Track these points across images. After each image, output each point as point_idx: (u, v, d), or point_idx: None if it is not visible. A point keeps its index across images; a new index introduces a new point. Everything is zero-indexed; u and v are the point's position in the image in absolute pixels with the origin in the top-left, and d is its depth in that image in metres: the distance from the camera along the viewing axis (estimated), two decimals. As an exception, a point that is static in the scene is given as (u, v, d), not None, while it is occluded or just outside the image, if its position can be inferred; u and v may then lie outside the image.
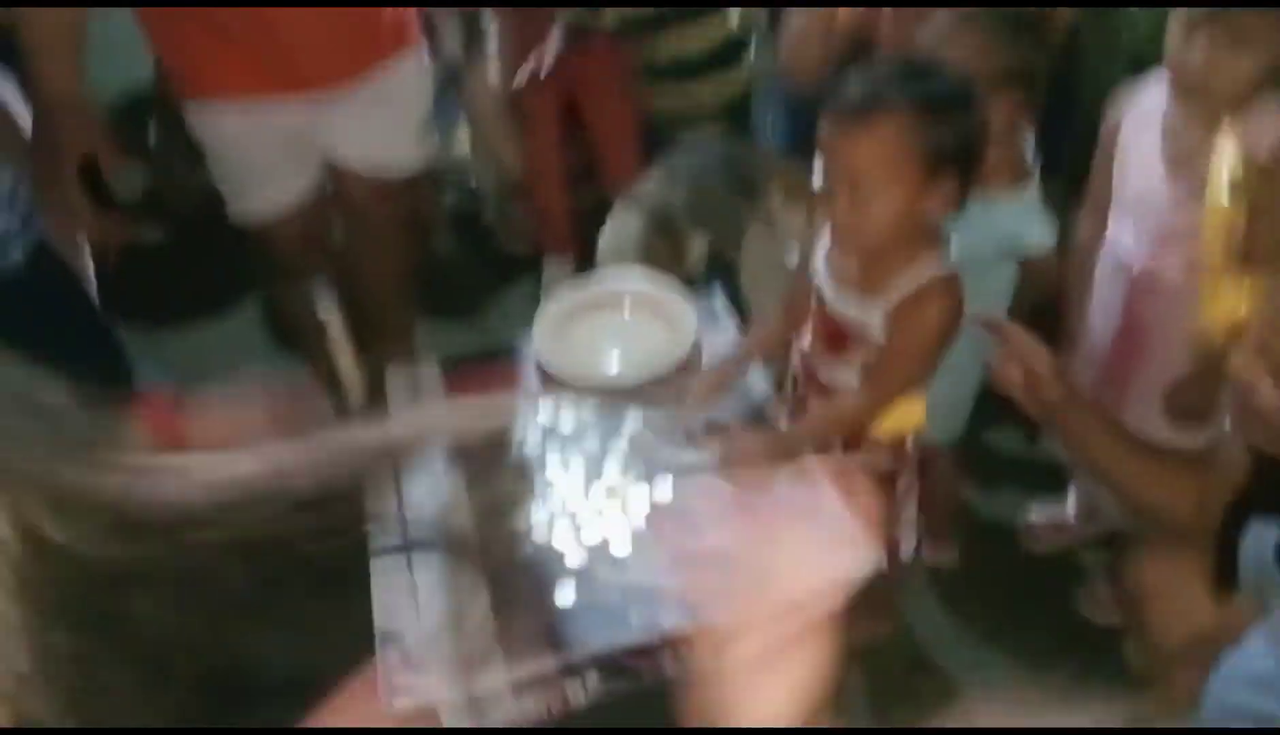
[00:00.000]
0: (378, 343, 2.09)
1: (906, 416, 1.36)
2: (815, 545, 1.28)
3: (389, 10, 1.78)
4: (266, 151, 1.79)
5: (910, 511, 1.51)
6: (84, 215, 1.58)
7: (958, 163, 1.21)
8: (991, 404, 1.65)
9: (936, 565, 1.93)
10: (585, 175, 2.75)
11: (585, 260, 2.60)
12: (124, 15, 1.73)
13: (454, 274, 2.75)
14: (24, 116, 1.72)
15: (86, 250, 1.82)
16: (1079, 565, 1.96)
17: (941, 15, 1.44)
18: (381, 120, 1.82)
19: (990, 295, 1.58)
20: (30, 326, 1.52)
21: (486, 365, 1.62)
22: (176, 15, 1.64)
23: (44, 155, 1.57)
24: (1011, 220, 1.48)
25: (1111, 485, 1.27)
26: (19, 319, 1.50)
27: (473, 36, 2.41)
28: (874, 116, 1.18)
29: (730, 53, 2.29)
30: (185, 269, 2.61)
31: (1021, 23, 1.42)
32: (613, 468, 1.41)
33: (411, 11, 1.83)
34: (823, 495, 1.34)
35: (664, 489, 1.36)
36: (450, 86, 2.35)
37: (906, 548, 1.54)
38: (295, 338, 1.99)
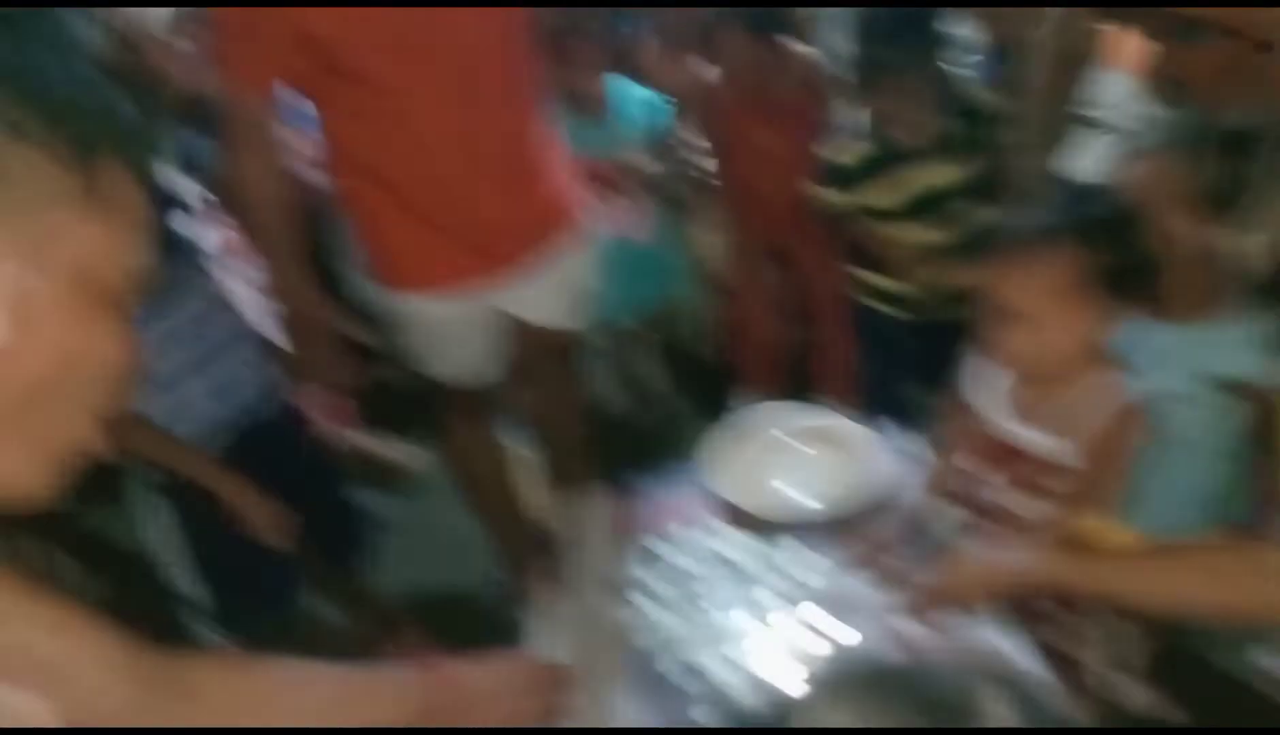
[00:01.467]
0: (558, 479, 2.19)
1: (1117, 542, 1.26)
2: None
3: (567, 185, 1.90)
4: (467, 330, 1.88)
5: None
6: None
7: (1127, 287, 1.18)
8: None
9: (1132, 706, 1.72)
10: (795, 315, 2.75)
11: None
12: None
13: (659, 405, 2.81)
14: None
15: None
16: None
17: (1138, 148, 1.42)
18: (558, 286, 1.92)
19: (1198, 426, 1.45)
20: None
21: (660, 485, 1.61)
22: (387, 209, 1.72)
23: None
24: (1208, 349, 1.38)
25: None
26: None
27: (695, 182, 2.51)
28: (1043, 247, 1.17)
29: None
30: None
31: (1225, 141, 1.35)
32: (789, 605, 1.34)
33: (577, 192, 1.95)
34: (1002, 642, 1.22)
35: (850, 633, 1.28)
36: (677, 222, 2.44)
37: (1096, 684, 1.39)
38: (473, 480, 2.07)
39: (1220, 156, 1.32)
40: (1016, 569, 1.18)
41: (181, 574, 1.67)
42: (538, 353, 2.03)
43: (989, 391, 1.32)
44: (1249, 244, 1.37)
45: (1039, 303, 1.17)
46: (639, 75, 2.38)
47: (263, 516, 1.60)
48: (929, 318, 2.18)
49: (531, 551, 2.10)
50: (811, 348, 2.56)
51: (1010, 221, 1.25)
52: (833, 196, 2.13)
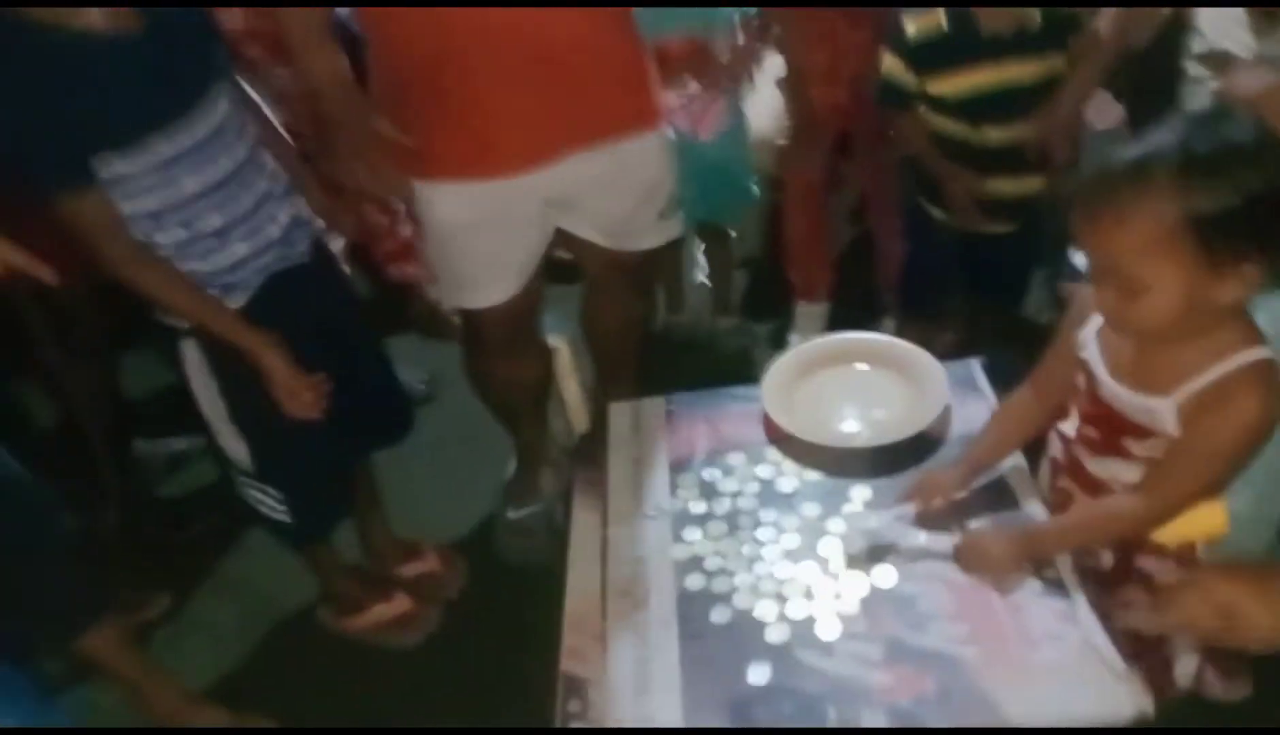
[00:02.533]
0: (607, 386, 2.07)
1: (1201, 522, 1.13)
2: (1060, 676, 1.10)
3: (637, 80, 1.72)
4: (500, 241, 1.70)
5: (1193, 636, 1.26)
6: (391, 181, 1.62)
7: (1249, 236, 0.95)
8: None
9: (1224, 700, 1.63)
10: (850, 218, 2.62)
11: (841, 308, 2.48)
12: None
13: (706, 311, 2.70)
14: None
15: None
16: None
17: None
18: (620, 199, 1.75)
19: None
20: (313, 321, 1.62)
21: (711, 406, 1.54)
22: (419, 91, 1.58)
23: (332, 138, 1.64)
24: None
25: None
26: (305, 311, 1.60)
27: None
28: (1129, 191, 0.96)
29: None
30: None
31: None
32: (832, 540, 1.28)
33: (656, 96, 1.75)
34: (1079, 616, 1.15)
35: (888, 573, 1.22)
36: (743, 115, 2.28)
37: (1185, 674, 1.29)
38: (506, 391, 1.98)
39: None
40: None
41: (221, 429, 1.61)
42: (610, 266, 1.87)
43: (1088, 334, 1.17)
44: None
45: (1130, 257, 0.97)
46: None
47: (289, 382, 1.53)
48: (978, 233, 2.03)
49: (563, 464, 2.06)
50: (868, 250, 2.44)
51: (1102, 157, 1.04)
52: (896, 70, 1.91)
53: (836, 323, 2.40)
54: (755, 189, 2.39)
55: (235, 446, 1.64)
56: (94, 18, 1.33)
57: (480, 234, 1.68)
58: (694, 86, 2.10)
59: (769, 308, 2.61)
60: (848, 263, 2.55)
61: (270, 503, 1.70)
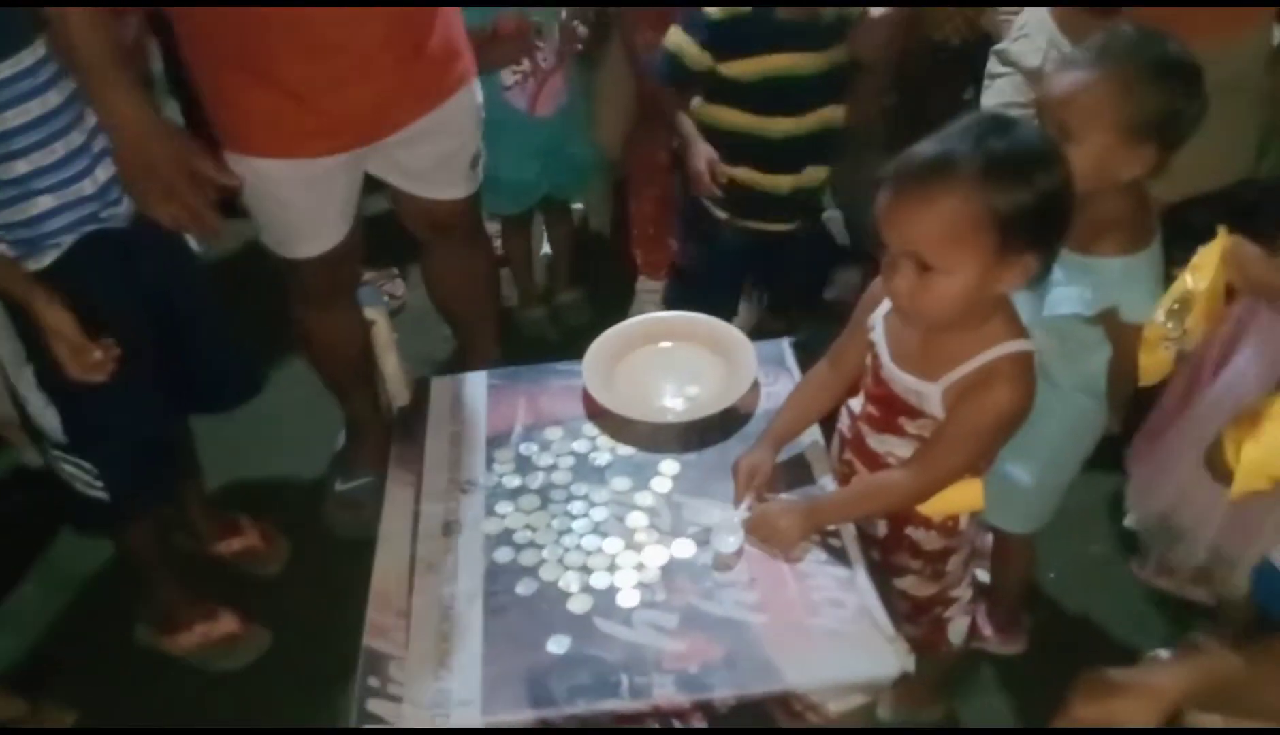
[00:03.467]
0: (465, 354, 2.10)
1: (962, 497, 1.23)
2: (836, 640, 1.17)
3: (450, 50, 1.72)
4: (316, 202, 1.71)
5: (962, 594, 1.37)
6: (210, 225, 1.53)
7: (1035, 232, 1.05)
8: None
9: (1001, 653, 1.77)
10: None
11: (681, 284, 2.53)
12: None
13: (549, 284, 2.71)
14: None
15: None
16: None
17: (1079, 59, 1.29)
18: (438, 152, 1.78)
19: (1093, 371, 1.41)
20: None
21: (533, 381, 1.56)
22: (233, 71, 1.54)
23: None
24: (1117, 286, 1.30)
25: None
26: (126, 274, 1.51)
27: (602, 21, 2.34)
28: (939, 183, 1.03)
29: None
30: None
31: (1170, 68, 1.25)
32: (638, 514, 1.32)
33: (466, 57, 1.77)
34: (857, 582, 1.23)
35: (686, 545, 1.27)
36: (580, 68, 2.26)
37: (957, 633, 1.40)
38: (327, 351, 1.95)
39: (1156, 83, 1.24)
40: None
41: (29, 397, 1.51)
42: (428, 225, 1.91)
43: (876, 318, 1.24)
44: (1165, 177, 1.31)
45: (932, 242, 1.04)
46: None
47: (72, 340, 1.41)
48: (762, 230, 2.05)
49: (383, 429, 2.01)
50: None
51: (906, 152, 1.10)
52: (686, 47, 1.90)
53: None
54: (594, 166, 2.40)
55: (46, 415, 1.53)
56: None
57: (296, 195, 1.66)
58: (526, 65, 2.10)
59: (612, 284, 2.63)
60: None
61: (85, 478, 1.59)
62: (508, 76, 2.11)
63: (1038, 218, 1.05)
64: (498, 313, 2.20)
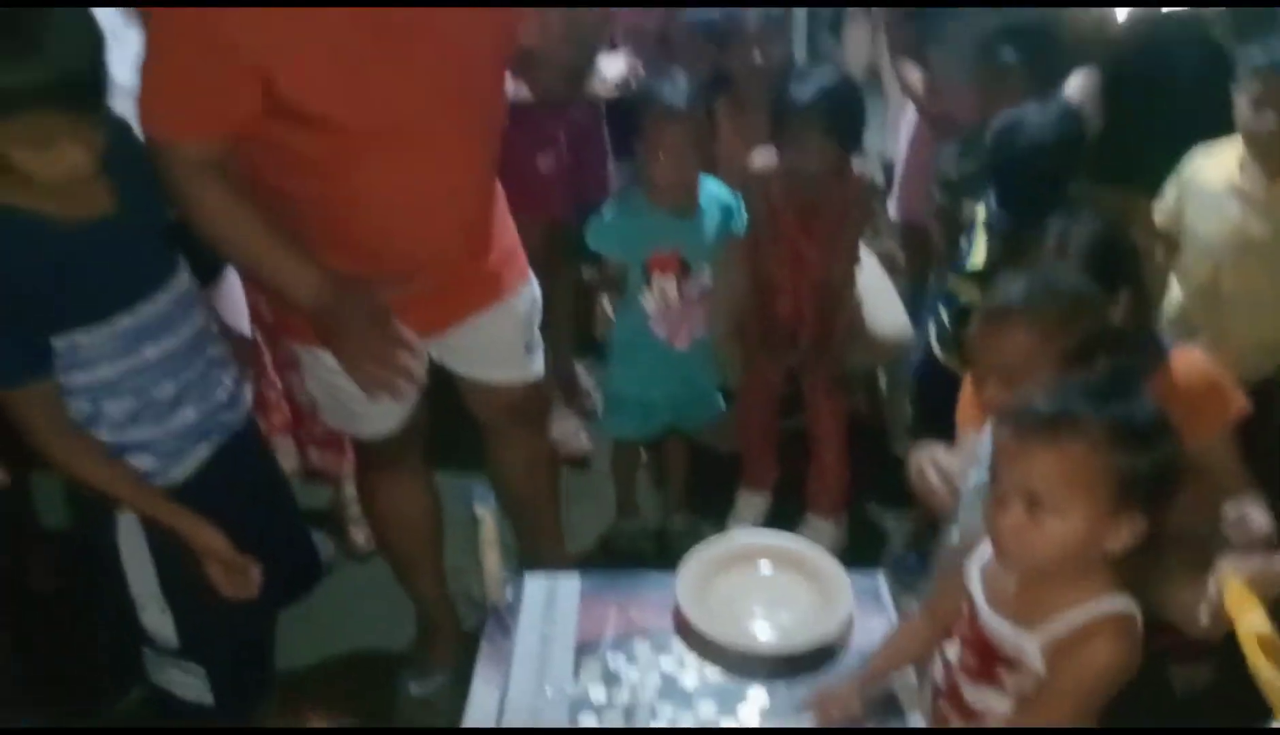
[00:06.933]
0: (525, 546, 2.10)
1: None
2: None
3: (511, 251, 1.80)
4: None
5: None
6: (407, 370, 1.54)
7: (1149, 496, 1.09)
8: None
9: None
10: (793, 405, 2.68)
11: (783, 497, 2.54)
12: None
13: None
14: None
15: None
16: None
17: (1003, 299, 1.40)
18: (492, 340, 1.82)
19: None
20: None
21: (625, 590, 1.57)
22: (317, 250, 1.52)
23: None
24: None
25: None
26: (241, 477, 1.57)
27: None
28: (1067, 428, 1.08)
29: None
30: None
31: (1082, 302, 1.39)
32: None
33: (522, 260, 1.85)
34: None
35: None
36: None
37: None
38: (392, 522, 1.95)
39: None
40: None
41: (146, 604, 1.52)
42: (489, 408, 1.95)
43: (976, 564, 1.24)
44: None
45: (1050, 488, 1.07)
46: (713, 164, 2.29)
47: (229, 562, 1.47)
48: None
49: (456, 626, 2.06)
50: (810, 461, 2.49)
51: (1033, 398, 1.15)
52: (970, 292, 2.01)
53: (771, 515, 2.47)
54: (721, 401, 2.41)
55: (159, 622, 1.54)
56: (67, 203, 1.32)
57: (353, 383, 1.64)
58: (673, 295, 2.17)
59: (713, 494, 2.64)
60: (785, 457, 2.60)
61: (192, 682, 1.59)
62: (650, 305, 2.18)
63: (1154, 483, 1.09)
64: (558, 504, 2.18)
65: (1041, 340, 1.35)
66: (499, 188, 1.79)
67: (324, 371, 1.66)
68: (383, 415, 1.77)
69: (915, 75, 2.65)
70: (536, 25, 1.63)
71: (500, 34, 1.57)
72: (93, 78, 1.25)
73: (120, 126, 1.39)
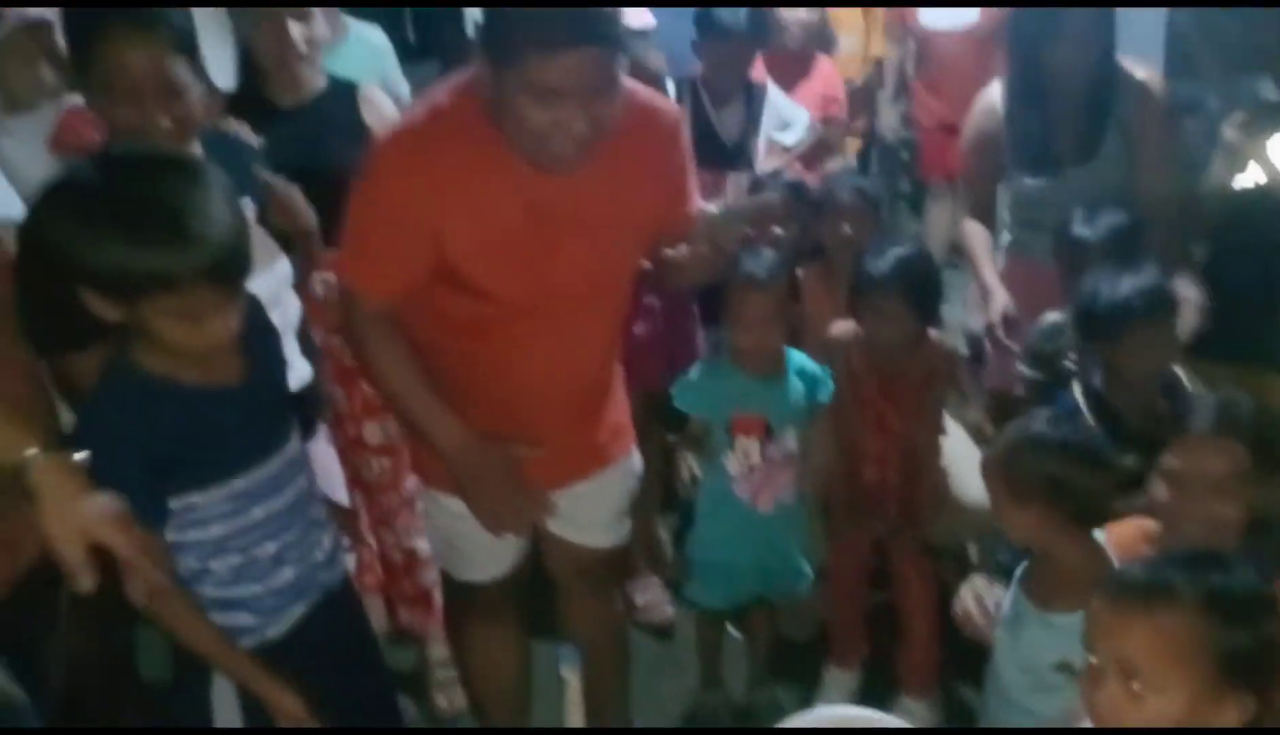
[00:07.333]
0: (590, 710, 2.05)
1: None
2: None
3: (620, 421, 1.90)
4: (490, 538, 1.76)
5: None
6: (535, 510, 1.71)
7: (1252, 675, 1.04)
8: None
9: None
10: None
11: (872, 675, 2.46)
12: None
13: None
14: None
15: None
16: None
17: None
18: (591, 504, 1.89)
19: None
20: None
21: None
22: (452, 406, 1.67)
23: None
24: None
25: None
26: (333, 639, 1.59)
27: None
28: (1162, 599, 1.05)
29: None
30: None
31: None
32: None
33: (629, 428, 1.95)
34: None
35: None
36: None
37: None
38: (481, 671, 1.98)
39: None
40: None
41: None
42: (572, 568, 1.99)
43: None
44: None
45: (1145, 661, 1.04)
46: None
47: (303, 725, 1.47)
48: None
49: None
50: (900, 637, 2.42)
51: (1128, 570, 1.13)
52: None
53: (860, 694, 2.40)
54: (809, 572, 2.35)
55: None
56: (204, 371, 1.42)
57: (474, 529, 1.74)
58: (756, 458, 2.19)
59: (798, 669, 2.56)
60: (875, 633, 2.52)
61: None
62: (734, 466, 2.20)
63: (1259, 661, 1.05)
64: (626, 673, 2.18)
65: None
66: (618, 364, 1.90)
67: (445, 516, 1.79)
68: (496, 559, 1.85)
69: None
70: (683, 231, 1.72)
71: (644, 232, 1.72)
72: (239, 257, 1.37)
73: (253, 301, 1.51)
